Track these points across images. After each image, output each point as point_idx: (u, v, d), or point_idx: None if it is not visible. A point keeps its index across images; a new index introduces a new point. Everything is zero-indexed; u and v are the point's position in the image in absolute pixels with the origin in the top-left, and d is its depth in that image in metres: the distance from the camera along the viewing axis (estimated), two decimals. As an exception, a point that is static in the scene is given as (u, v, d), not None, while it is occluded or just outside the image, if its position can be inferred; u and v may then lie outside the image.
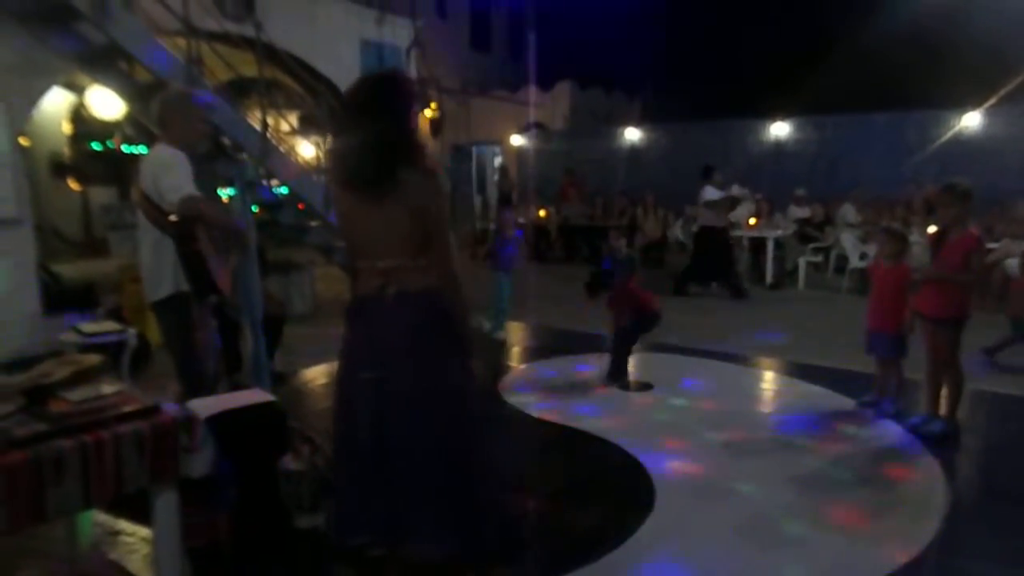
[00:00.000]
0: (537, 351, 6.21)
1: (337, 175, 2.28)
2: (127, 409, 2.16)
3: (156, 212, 3.12)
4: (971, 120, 11.30)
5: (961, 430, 4.07)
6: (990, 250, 7.12)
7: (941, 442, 3.95)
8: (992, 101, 11.06)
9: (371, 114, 2.15)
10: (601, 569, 2.74)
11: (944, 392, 4.11)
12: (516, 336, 6.67)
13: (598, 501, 3.36)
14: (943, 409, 4.11)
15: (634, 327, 5.13)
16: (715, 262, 8.64)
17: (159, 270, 3.19)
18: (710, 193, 8.57)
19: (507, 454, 2.40)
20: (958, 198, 4.00)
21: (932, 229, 5.05)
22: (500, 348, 6.25)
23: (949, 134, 11.43)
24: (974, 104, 11.23)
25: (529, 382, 5.30)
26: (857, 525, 3.09)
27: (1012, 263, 7.42)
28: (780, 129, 13.20)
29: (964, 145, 11.16)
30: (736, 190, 9.27)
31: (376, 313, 2.20)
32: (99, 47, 5.75)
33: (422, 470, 2.15)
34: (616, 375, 5.11)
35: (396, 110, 2.17)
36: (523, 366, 5.81)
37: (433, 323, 2.18)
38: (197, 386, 3.18)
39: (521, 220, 11.07)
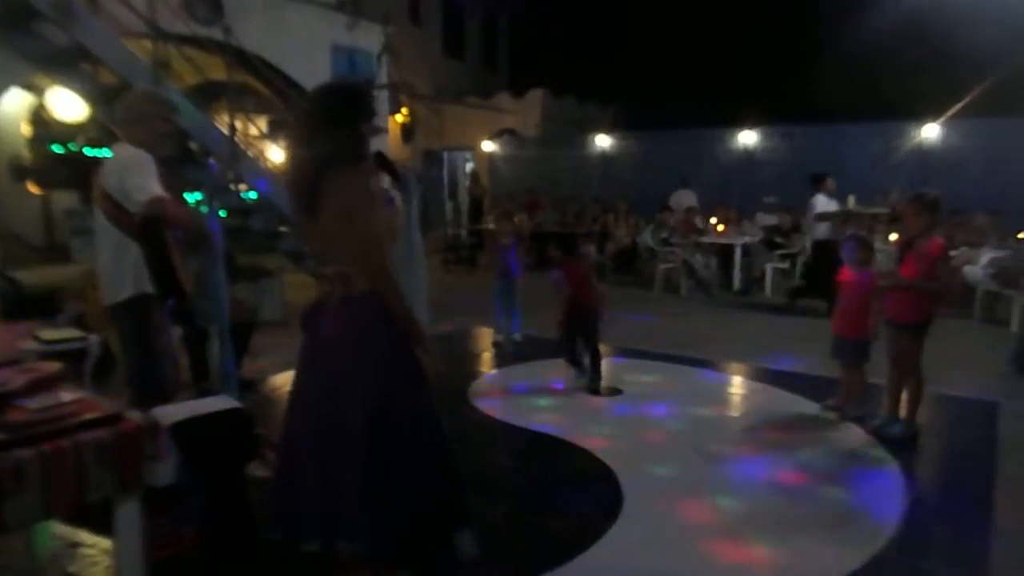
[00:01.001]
0: (507, 357, 6.21)
1: (285, 182, 2.38)
2: (88, 417, 2.12)
3: (119, 213, 3.06)
4: (932, 132, 11.62)
5: (920, 432, 4.18)
6: (951, 258, 7.32)
7: (901, 444, 4.04)
8: (950, 113, 11.38)
9: (314, 123, 2.24)
10: (568, 572, 2.75)
11: (905, 395, 4.22)
12: (485, 342, 6.68)
13: (566, 506, 3.37)
14: (904, 412, 4.21)
15: (573, 323, 5.17)
16: (829, 280, 7.96)
17: (119, 272, 3.12)
18: (821, 203, 7.87)
19: (452, 456, 2.40)
20: (926, 208, 4.10)
21: (894, 237, 5.18)
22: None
23: (911, 145, 11.74)
24: (935, 116, 11.55)
25: (498, 387, 5.31)
26: (820, 525, 3.14)
27: (970, 270, 7.66)
28: (749, 138, 13.43)
29: (926, 155, 11.46)
30: (852, 202, 8.48)
31: (323, 317, 2.26)
32: (61, 49, 5.65)
33: (355, 467, 2.17)
34: (574, 364, 5.21)
35: (337, 120, 2.23)
36: (493, 371, 5.81)
37: (371, 325, 2.21)
38: (153, 393, 3.10)
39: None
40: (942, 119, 11.49)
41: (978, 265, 7.57)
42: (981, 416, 4.59)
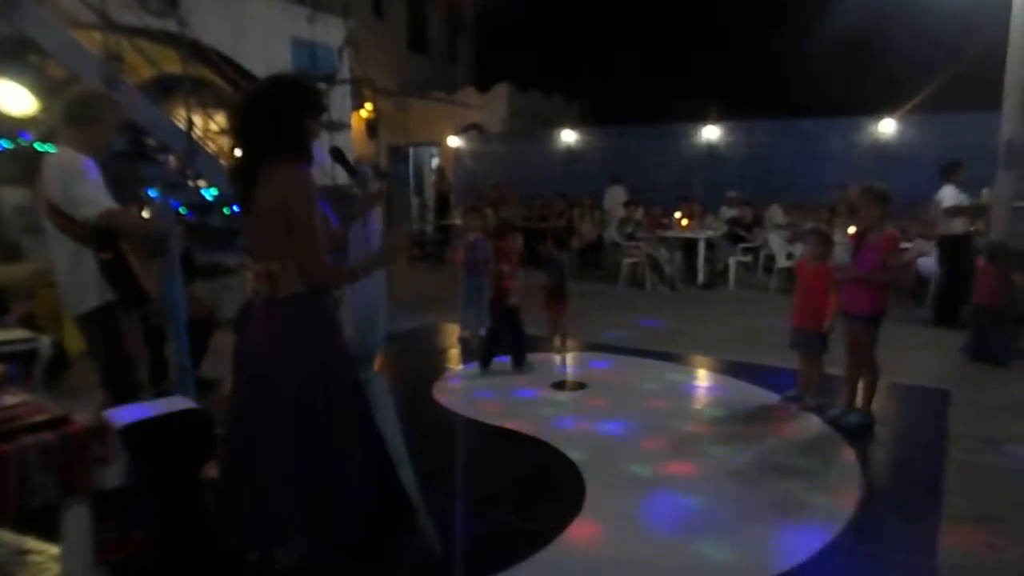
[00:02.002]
0: (471, 352, 6.19)
1: (226, 174, 2.34)
2: (32, 420, 2.06)
3: (68, 222, 2.95)
4: (888, 127, 11.90)
5: (876, 421, 4.27)
6: (904, 250, 7.49)
7: (857, 433, 4.13)
8: (907, 108, 11.66)
9: (253, 115, 2.19)
10: (530, 567, 2.76)
11: (861, 385, 4.31)
12: (451, 338, 6.65)
13: (529, 499, 3.38)
14: (860, 401, 4.30)
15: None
16: (962, 280, 6.67)
17: (81, 281, 3.02)
18: (949, 196, 6.85)
19: (390, 458, 2.38)
20: (877, 200, 4.20)
21: (852, 230, 5.29)
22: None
23: (869, 139, 12.02)
24: (890, 111, 11.83)
25: (463, 383, 5.29)
26: (778, 513, 3.20)
27: (923, 261, 7.86)
28: (712, 133, 13.59)
29: (882, 149, 11.75)
30: (985, 195, 7.18)
31: (251, 319, 2.21)
32: (7, 39, 5.46)
33: (289, 474, 2.12)
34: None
35: (276, 112, 2.18)
36: (459, 367, 5.79)
37: (295, 332, 2.15)
38: (129, 396, 3.03)
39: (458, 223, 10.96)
40: (898, 114, 11.78)
41: (931, 257, 7.77)
42: (934, 404, 4.71)
